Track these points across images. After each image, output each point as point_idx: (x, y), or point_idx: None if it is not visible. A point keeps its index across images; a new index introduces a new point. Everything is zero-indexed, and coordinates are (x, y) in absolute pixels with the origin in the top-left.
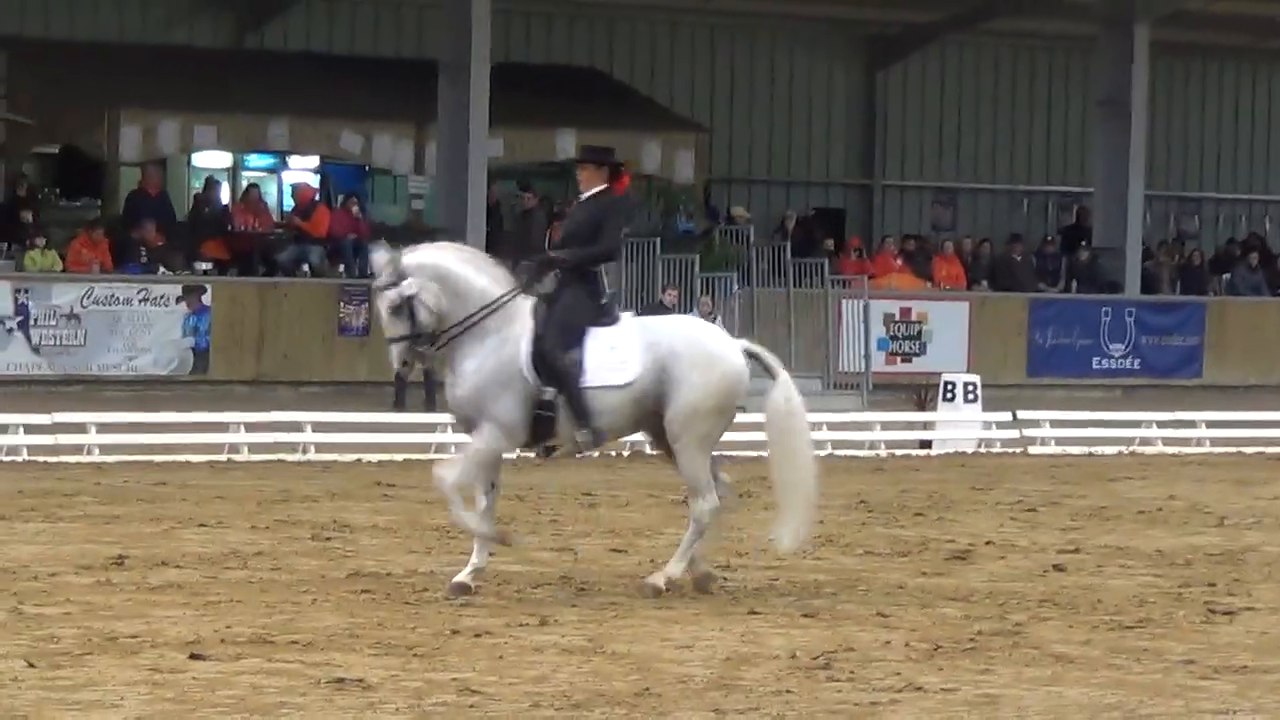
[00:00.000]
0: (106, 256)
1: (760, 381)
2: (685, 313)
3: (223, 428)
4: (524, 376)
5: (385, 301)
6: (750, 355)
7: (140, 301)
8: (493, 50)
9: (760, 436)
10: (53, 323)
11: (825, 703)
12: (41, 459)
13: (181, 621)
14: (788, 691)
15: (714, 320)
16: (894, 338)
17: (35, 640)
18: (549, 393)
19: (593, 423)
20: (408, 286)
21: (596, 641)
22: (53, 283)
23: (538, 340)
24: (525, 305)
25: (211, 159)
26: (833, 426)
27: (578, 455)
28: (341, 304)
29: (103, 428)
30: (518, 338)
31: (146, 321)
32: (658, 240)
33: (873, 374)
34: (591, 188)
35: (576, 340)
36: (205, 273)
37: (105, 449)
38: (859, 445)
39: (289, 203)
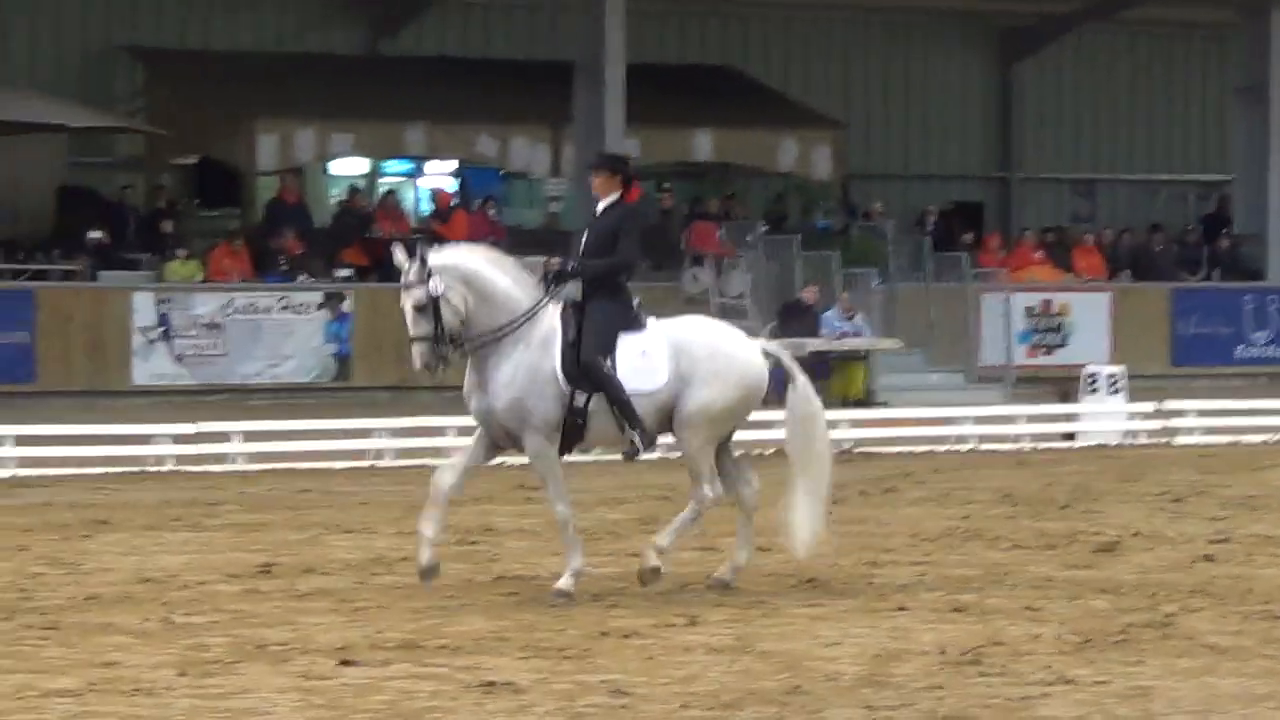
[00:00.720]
0: (247, 266)
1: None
2: (826, 310)
3: (366, 433)
4: (557, 381)
5: (411, 299)
6: (769, 357)
7: (281, 309)
8: (627, 50)
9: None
10: (194, 333)
11: (976, 697)
12: (187, 469)
13: (331, 628)
14: (938, 687)
15: (853, 317)
16: (1035, 330)
17: (186, 649)
18: (581, 399)
19: (642, 424)
20: (435, 286)
21: (745, 640)
22: (194, 293)
23: (572, 347)
24: (553, 310)
25: (349, 166)
26: (977, 420)
27: (627, 459)
28: None
29: (247, 436)
30: (546, 342)
31: (288, 329)
32: (797, 237)
33: (1015, 367)
34: (606, 195)
35: (611, 345)
36: (345, 279)
37: (249, 457)
38: (1003, 439)
39: (426, 207)
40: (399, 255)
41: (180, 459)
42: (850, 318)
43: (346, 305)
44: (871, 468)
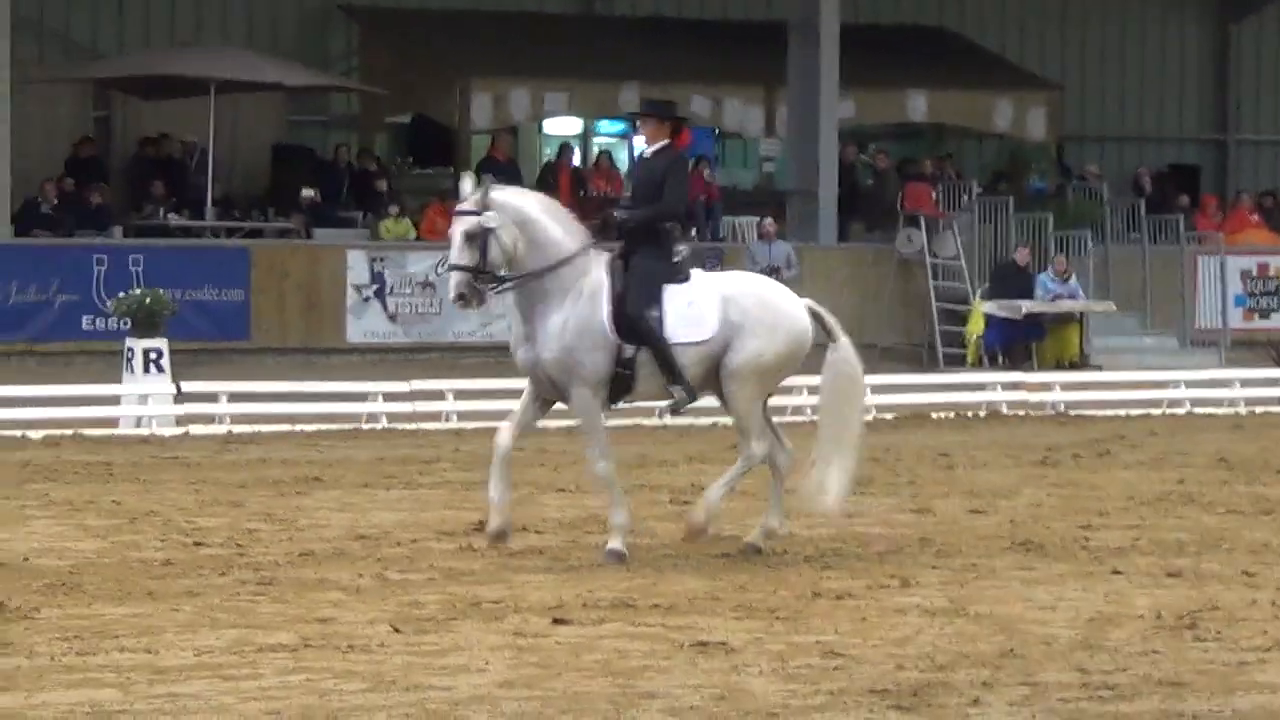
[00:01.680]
0: None
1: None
2: (1039, 272)
3: None
4: (606, 334)
5: (462, 226)
6: (813, 315)
7: None
8: (842, 10)
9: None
10: (408, 291)
11: (1192, 662)
12: (400, 426)
13: (544, 586)
14: (1154, 651)
15: (1068, 280)
16: (1251, 294)
17: (400, 606)
18: (629, 350)
19: (686, 379)
20: (489, 219)
21: (958, 603)
22: (407, 251)
23: (618, 299)
24: (600, 260)
25: (562, 125)
26: (1190, 384)
27: (668, 416)
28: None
29: (460, 394)
30: (595, 293)
31: None
32: (1010, 199)
33: (1230, 330)
34: (655, 143)
35: (656, 298)
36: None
37: (463, 415)
38: (1218, 403)
39: None
40: (465, 184)
41: (393, 416)
42: (1065, 280)
43: None
44: (1085, 430)
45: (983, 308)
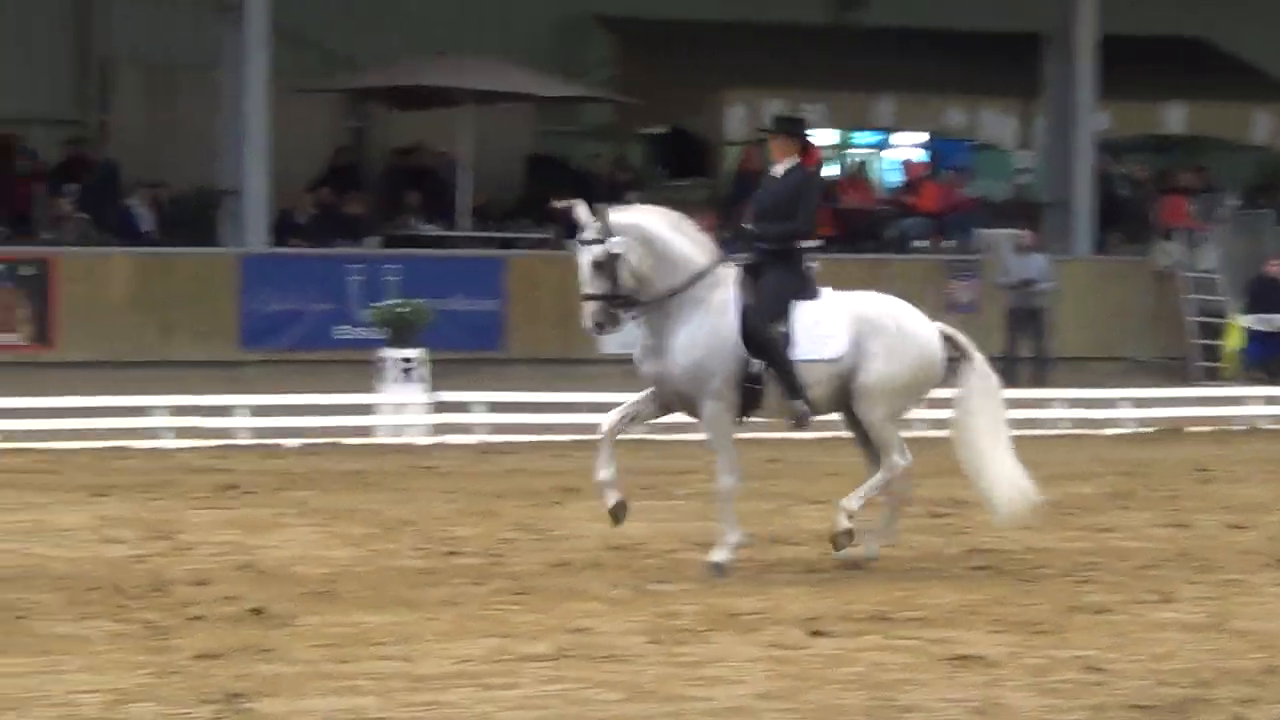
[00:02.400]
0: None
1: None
2: None
3: None
4: (737, 347)
5: (589, 256)
6: (946, 339)
7: None
8: (1099, 22)
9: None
10: None
11: None
12: (654, 437)
13: (800, 598)
14: None
15: None
16: None
17: (656, 617)
18: (756, 365)
19: (806, 395)
20: (615, 245)
21: (1219, 618)
22: None
23: (745, 313)
24: (729, 275)
25: (816, 137)
26: None
27: (792, 430)
28: (949, 279)
29: None
30: (725, 308)
31: None
32: (1271, 212)
33: None
34: (783, 160)
35: (783, 314)
36: (813, 250)
37: None
38: None
39: (891, 178)
40: (582, 212)
41: (647, 427)
42: None
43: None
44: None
45: (1242, 322)
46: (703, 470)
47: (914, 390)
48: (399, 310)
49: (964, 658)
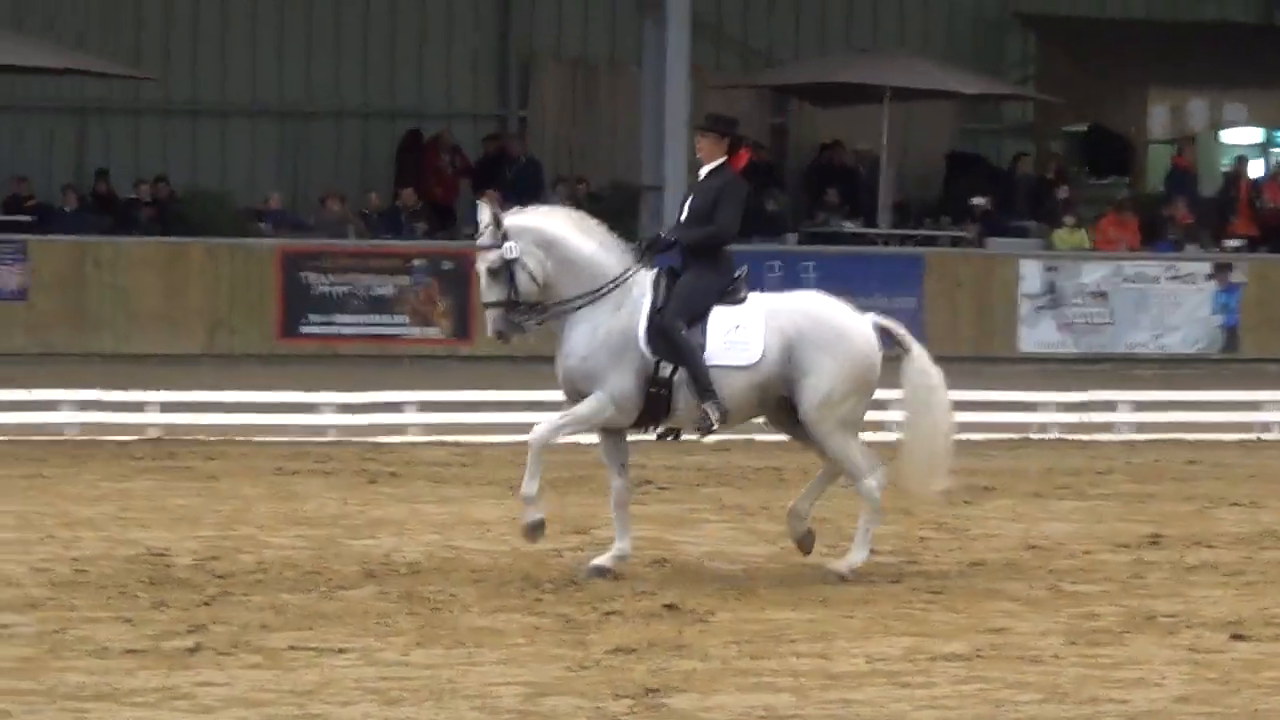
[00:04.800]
0: (1134, 235)
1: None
2: None
3: (1255, 406)
4: (640, 350)
5: (483, 262)
6: (881, 330)
7: (1169, 279)
8: None
9: None
10: (1080, 301)
11: None
12: (1072, 437)
13: (1220, 602)
14: None
15: None
16: None
17: (1074, 618)
18: (665, 369)
19: (719, 402)
20: (509, 250)
21: None
22: (1082, 261)
23: (657, 313)
24: (646, 277)
25: (1240, 135)
26: None
27: (701, 437)
28: None
29: (1134, 406)
30: (635, 308)
31: (1175, 300)
32: None
33: None
34: (712, 160)
35: (699, 317)
36: (1235, 250)
37: (1136, 427)
38: None
39: None
40: (483, 215)
41: (1065, 427)
42: None
43: (1235, 276)
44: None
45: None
46: (1120, 470)
47: (860, 392)
48: None
49: None
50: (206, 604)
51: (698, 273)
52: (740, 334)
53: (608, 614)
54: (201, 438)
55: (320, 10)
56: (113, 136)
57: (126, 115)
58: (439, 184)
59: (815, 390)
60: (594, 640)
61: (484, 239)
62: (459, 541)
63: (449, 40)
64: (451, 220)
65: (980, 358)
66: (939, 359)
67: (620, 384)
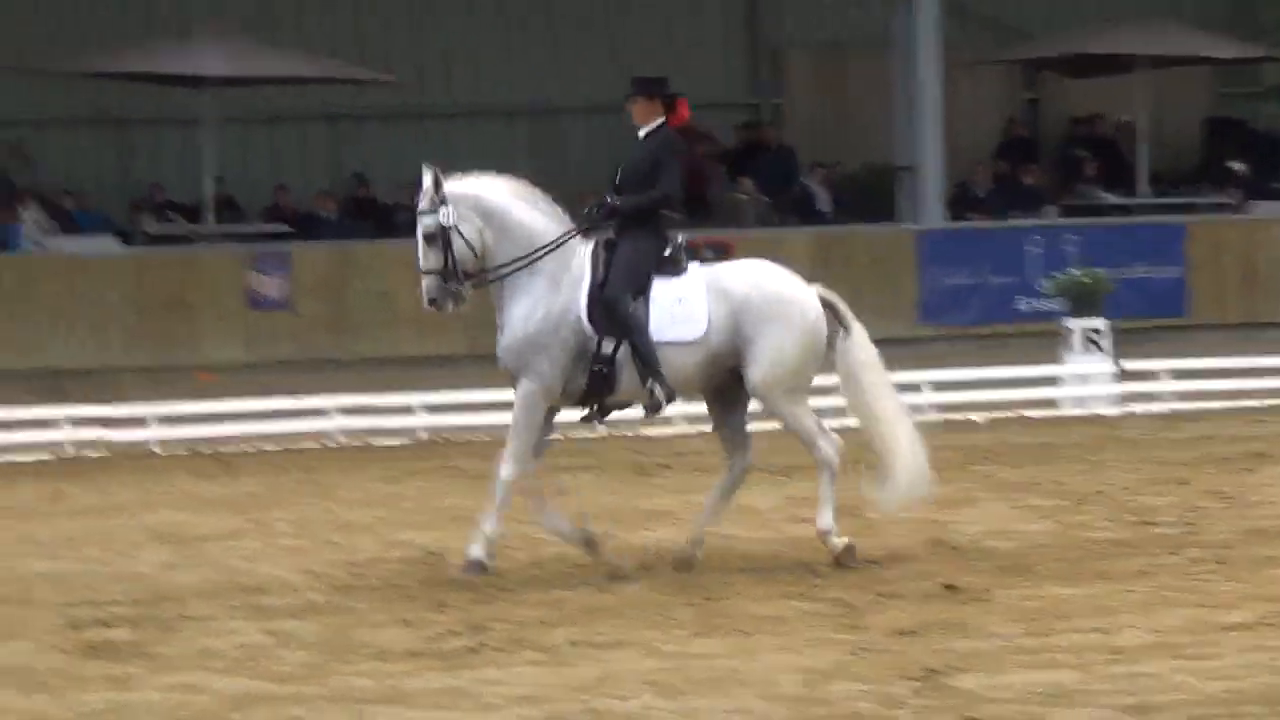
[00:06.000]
0: None
1: None
2: None
3: None
4: (579, 327)
5: (420, 229)
6: (825, 304)
7: None
8: None
9: None
10: None
11: None
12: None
13: None
14: None
15: None
16: None
17: None
18: (608, 345)
19: (664, 379)
20: (445, 216)
21: None
22: None
23: (598, 289)
24: (584, 249)
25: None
26: None
27: (648, 415)
28: None
29: None
30: (575, 283)
31: None
32: None
33: None
34: (648, 123)
35: (641, 290)
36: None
37: None
38: None
39: None
40: (425, 180)
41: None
42: None
43: None
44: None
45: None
46: None
47: (806, 361)
48: (1080, 280)
49: None
50: (484, 603)
51: (634, 241)
52: (683, 307)
53: (884, 596)
54: (470, 438)
55: (564, 7)
56: (365, 142)
57: (379, 120)
58: (698, 173)
59: (763, 359)
60: (872, 623)
61: (422, 204)
62: (730, 530)
63: (699, 31)
64: (706, 209)
65: (1250, 323)
66: (1205, 327)
67: (552, 364)
